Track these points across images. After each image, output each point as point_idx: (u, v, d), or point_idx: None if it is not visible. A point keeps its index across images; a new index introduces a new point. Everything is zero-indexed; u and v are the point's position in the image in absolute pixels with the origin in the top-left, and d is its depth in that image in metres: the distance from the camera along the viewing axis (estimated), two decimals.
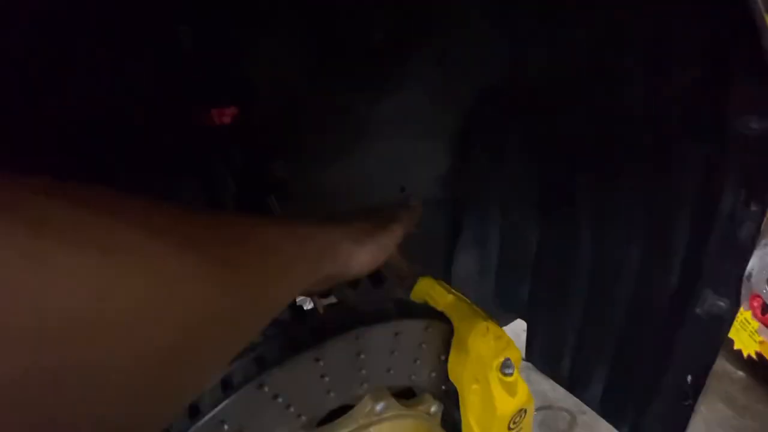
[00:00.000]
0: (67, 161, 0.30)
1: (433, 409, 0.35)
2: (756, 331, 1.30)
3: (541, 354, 0.67)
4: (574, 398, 1.25)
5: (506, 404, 0.32)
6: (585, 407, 1.22)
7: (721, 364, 1.42)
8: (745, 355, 1.34)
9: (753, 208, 0.31)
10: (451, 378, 0.35)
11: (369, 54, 0.45)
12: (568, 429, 1.16)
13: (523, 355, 0.70)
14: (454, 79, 0.51)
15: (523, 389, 0.34)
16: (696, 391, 0.46)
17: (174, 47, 0.30)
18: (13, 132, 0.27)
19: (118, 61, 0.29)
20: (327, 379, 0.27)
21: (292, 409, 0.26)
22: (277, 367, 0.25)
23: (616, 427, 0.57)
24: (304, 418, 0.27)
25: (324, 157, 0.49)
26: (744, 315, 1.36)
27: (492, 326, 0.33)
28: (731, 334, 1.39)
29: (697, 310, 0.41)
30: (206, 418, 0.23)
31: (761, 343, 1.28)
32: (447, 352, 0.34)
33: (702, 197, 0.38)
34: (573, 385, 0.62)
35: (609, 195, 0.50)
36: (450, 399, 0.36)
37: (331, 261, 0.26)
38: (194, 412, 0.24)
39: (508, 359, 0.32)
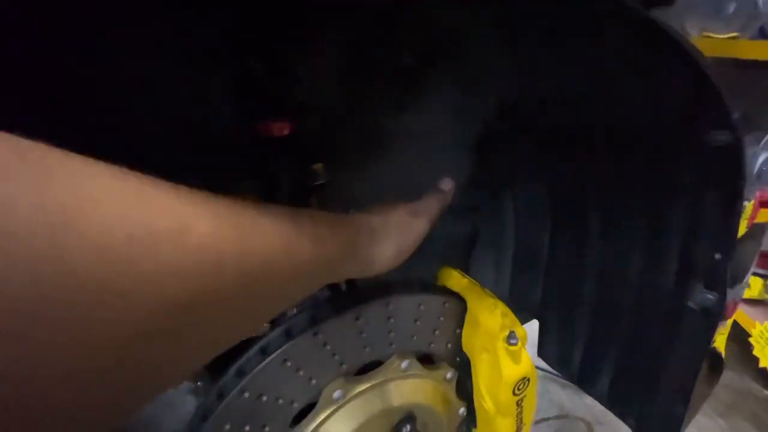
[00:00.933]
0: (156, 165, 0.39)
1: (449, 375, 0.41)
2: None
3: (552, 352, 0.71)
4: (591, 409, 1.26)
5: (511, 371, 0.38)
6: (601, 417, 1.24)
7: (746, 383, 1.40)
8: None
9: (729, 208, 0.37)
10: (465, 349, 0.41)
11: (397, 76, 0.53)
12: None
13: (537, 352, 0.74)
14: (471, 97, 0.58)
15: (526, 360, 0.39)
16: (691, 382, 0.49)
17: (248, 77, 0.39)
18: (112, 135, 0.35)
19: (205, 88, 0.38)
20: (364, 335, 0.34)
21: (336, 357, 0.33)
22: (326, 321, 0.32)
23: (622, 419, 0.61)
24: (345, 366, 0.34)
25: (356, 163, 0.56)
26: None
27: (499, 304, 0.39)
28: (756, 352, 1.37)
29: (690, 304, 0.46)
30: (273, 356, 0.30)
31: None
32: (461, 327, 0.40)
33: (691, 200, 0.43)
34: (582, 381, 0.66)
35: (614, 202, 0.55)
36: (464, 369, 0.42)
37: (350, 260, 0.27)
38: (263, 351, 0.31)
39: (512, 332, 0.38)
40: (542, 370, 1.40)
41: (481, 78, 0.54)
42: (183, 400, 1.33)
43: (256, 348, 0.31)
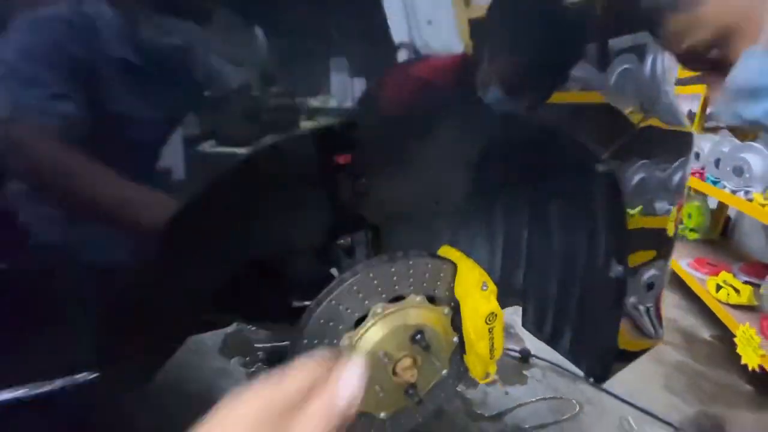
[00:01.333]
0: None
1: (446, 311, 0.66)
2: (759, 346, 1.44)
3: (531, 322, 0.93)
4: (583, 393, 1.46)
5: (483, 307, 0.62)
6: (591, 399, 1.44)
7: (731, 378, 1.55)
8: (750, 368, 1.47)
9: (614, 209, 0.61)
10: (456, 295, 0.65)
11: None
12: (575, 415, 1.36)
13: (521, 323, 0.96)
14: (471, 134, 0.83)
15: (493, 301, 0.64)
16: (614, 337, 0.72)
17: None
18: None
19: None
20: (395, 278, 0.59)
21: (379, 289, 0.59)
22: (376, 267, 0.58)
23: (577, 366, 0.83)
24: (384, 295, 0.59)
25: (389, 177, 0.82)
26: (750, 332, 1.50)
27: (477, 266, 0.64)
28: (739, 351, 1.53)
29: (611, 274, 0.69)
30: (347, 283, 0.56)
31: (762, 356, 1.41)
32: (454, 280, 0.65)
33: (603, 206, 0.67)
34: (552, 341, 0.88)
35: (566, 209, 0.79)
36: (456, 311, 0.66)
37: None
38: (342, 280, 0.57)
39: (485, 282, 0.63)
40: (545, 360, 1.60)
41: (478, 126, 0.79)
42: (235, 371, 1.64)
43: (339, 278, 0.57)
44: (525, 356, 1.61)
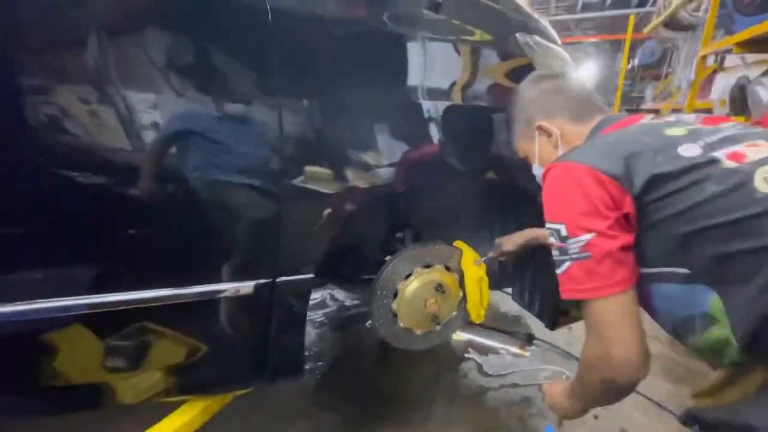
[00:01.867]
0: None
1: (455, 276, 1.17)
2: None
3: (518, 296, 1.42)
4: (572, 366, 1.90)
5: (476, 273, 1.14)
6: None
7: (700, 365, 1.90)
8: None
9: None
10: (461, 267, 1.17)
11: None
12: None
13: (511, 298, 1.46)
14: (455, 181, 1.34)
15: (482, 271, 1.15)
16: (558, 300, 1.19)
17: None
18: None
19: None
20: (428, 254, 1.12)
21: (419, 259, 1.12)
22: (419, 248, 1.11)
23: (541, 320, 1.30)
24: (421, 263, 1.12)
25: (425, 200, 1.35)
26: None
27: (474, 252, 1.15)
28: None
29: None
30: (401, 255, 1.10)
31: None
32: (461, 259, 1.17)
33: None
34: (528, 306, 1.36)
35: (534, 224, 1.28)
36: (461, 276, 1.18)
37: None
38: (396, 256, 1.11)
39: (478, 259, 1.14)
40: (544, 342, 2.03)
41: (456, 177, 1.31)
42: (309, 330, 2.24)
43: (398, 253, 1.11)
44: (529, 339, 2.06)
